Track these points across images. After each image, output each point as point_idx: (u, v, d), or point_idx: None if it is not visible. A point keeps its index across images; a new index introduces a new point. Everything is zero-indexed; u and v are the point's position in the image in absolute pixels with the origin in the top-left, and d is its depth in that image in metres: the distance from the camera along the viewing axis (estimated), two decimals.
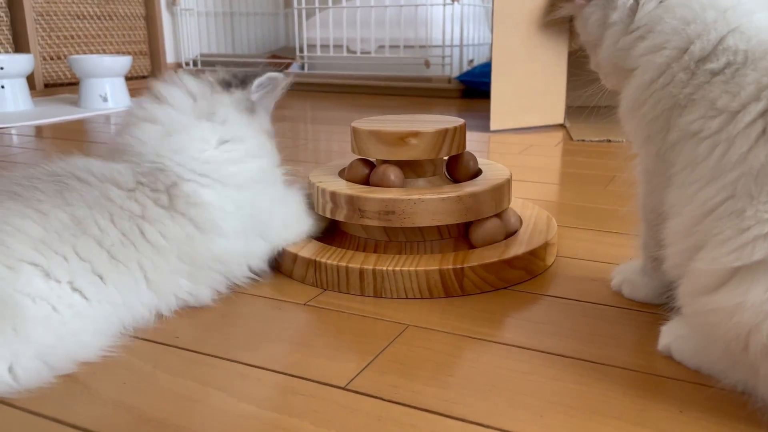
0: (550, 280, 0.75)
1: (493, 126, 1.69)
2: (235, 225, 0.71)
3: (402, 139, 0.77)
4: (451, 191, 0.75)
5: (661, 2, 0.58)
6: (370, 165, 0.82)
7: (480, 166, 0.85)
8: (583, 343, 0.60)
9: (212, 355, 0.59)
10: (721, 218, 0.49)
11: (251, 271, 0.74)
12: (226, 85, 0.77)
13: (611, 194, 1.10)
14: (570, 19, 1.63)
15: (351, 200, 0.75)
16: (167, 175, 0.69)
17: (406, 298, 0.70)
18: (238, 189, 0.72)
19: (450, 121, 0.82)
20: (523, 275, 0.74)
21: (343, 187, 0.77)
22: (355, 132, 0.80)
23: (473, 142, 1.58)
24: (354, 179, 0.81)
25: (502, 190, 0.78)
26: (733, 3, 0.55)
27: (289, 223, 0.78)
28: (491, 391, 0.53)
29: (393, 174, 0.78)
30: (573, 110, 1.78)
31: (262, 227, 0.74)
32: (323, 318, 0.66)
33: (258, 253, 0.74)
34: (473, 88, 2.39)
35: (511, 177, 0.82)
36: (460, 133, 0.80)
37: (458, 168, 0.83)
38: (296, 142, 1.65)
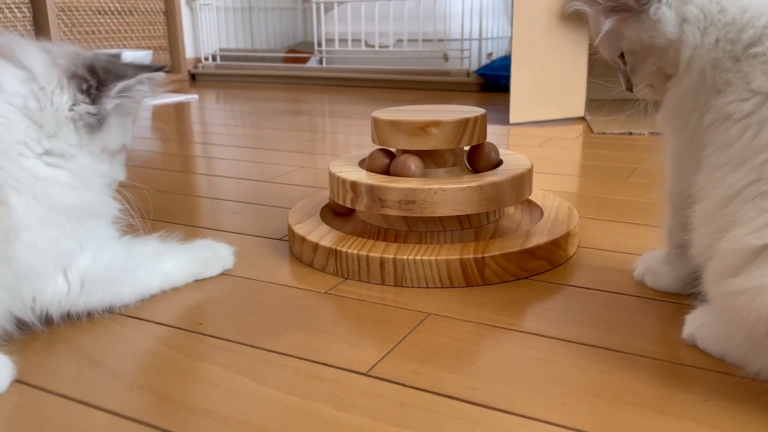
0: (572, 270, 0.74)
1: (512, 119, 1.68)
2: (34, 242, 0.57)
3: (422, 128, 0.77)
4: (472, 181, 0.74)
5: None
6: (391, 155, 0.82)
7: (501, 157, 0.84)
8: (606, 332, 0.60)
9: (235, 341, 0.59)
10: (747, 201, 0.49)
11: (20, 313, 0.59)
12: (78, 81, 0.60)
13: (633, 186, 1.09)
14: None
15: (371, 190, 0.75)
16: None
17: (427, 287, 0.70)
18: (49, 212, 0.58)
19: (471, 111, 0.81)
20: (545, 265, 0.74)
21: (363, 177, 0.77)
22: (376, 122, 0.80)
23: (492, 134, 1.57)
24: (374, 169, 0.81)
25: (523, 179, 0.78)
26: None
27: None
28: (513, 378, 0.52)
29: (413, 164, 0.78)
30: (593, 103, 1.76)
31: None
32: (344, 306, 0.67)
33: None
34: (492, 81, 2.38)
35: (533, 167, 0.81)
36: (480, 122, 0.80)
37: (479, 158, 0.83)
38: (314, 135, 1.66)
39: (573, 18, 1.66)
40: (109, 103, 0.61)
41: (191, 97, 2.34)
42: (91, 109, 0.60)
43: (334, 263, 0.74)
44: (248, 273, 0.75)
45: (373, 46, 2.69)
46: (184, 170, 1.29)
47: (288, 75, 2.77)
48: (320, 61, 2.80)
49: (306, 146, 1.50)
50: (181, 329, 0.62)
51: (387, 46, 2.68)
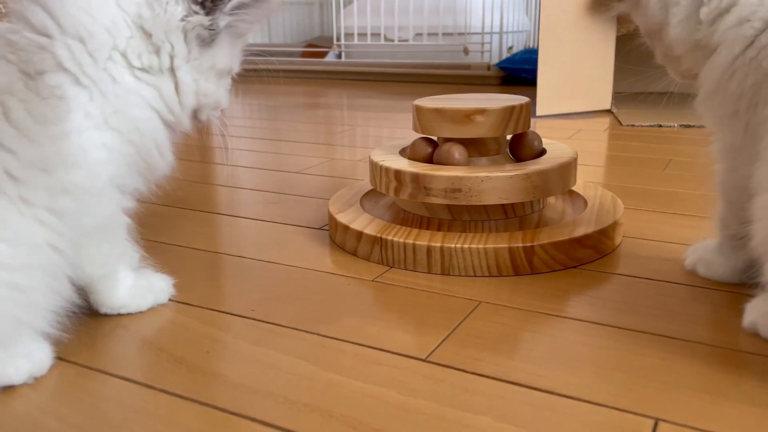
0: (620, 260, 0.74)
1: (539, 111, 1.67)
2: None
3: (468, 116, 0.76)
4: (519, 169, 0.74)
5: None
6: (433, 144, 0.81)
7: (544, 146, 0.83)
8: (663, 319, 0.59)
9: (290, 327, 0.59)
10: None
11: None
12: None
13: (670, 177, 1.08)
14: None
15: (416, 178, 0.75)
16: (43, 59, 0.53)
17: (474, 275, 0.70)
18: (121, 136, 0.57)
19: (514, 99, 0.81)
20: (593, 254, 0.73)
21: (406, 166, 0.77)
22: (419, 110, 0.80)
23: None
24: (416, 158, 0.81)
25: (569, 168, 0.77)
26: None
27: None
28: (576, 365, 0.52)
29: (458, 152, 0.77)
30: (619, 97, 1.75)
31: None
32: (393, 294, 0.66)
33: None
34: (513, 75, 2.37)
35: (577, 156, 0.80)
36: (525, 111, 0.79)
37: (522, 147, 0.82)
38: (337, 128, 1.65)
39: (599, 9, 1.65)
40: (222, 19, 0.59)
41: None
42: (205, 21, 0.58)
43: (379, 252, 0.74)
44: (293, 261, 0.75)
45: (392, 40, 2.68)
46: (209, 161, 1.29)
47: (306, 69, 2.77)
48: (339, 56, 2.79)
49: (332, 138, 1.49)
50: (235, 315, 0.62)
51: (406, 40, 2.67)
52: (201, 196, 1.03)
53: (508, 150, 0.84)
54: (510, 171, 0.73)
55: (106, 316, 0.61)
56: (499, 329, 0.58)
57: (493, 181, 0.73)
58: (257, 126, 1.71)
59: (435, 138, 0.82)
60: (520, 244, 0.70)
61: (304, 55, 2.85)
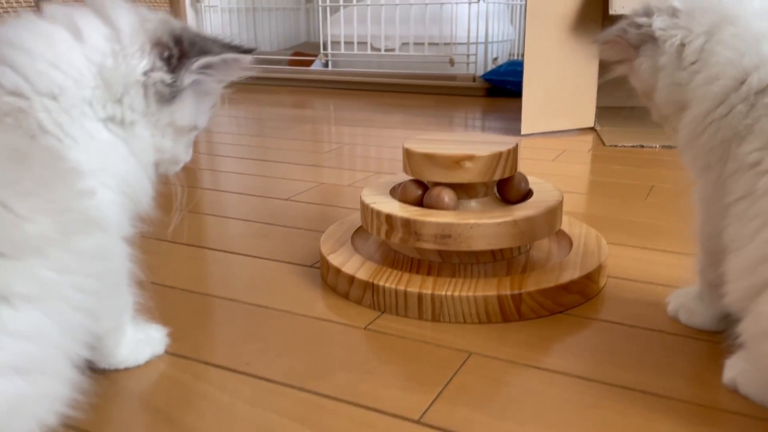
0: (604, 304, 0.76)
1: (524, 130, 1.69)
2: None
3: (457, 162, 0.78)
4: (507, 215, 0.75)
5: (711, 38, 0.60)
6: (423, 186, 0.83)
7: (530, 186, 0.85)
8: (645, 373, 0.61)
9: (284, 384, 0.60)
10: None
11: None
12: (160, 49, 0.57)
13: (652, 207, 1.10)
14: (602, 24, 1.62)
15: (407, 223, 0.76)
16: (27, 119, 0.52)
17: (464, 322, 0.72)
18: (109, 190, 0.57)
19: (502, 142, 0.82)
20: (578, 299, 0.75)
21: (398, 210, 0.78)
22: (409, 154, 0.81)
23: None
24: (407, 200, 0.82)
25: (555, 212, 0.79)
26: None
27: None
28: (566, 427, 0.54)
29: (447, 197, 0.79)
30: (602, 112, 1.77)
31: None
32: (385, 344, 0.68)
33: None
34: (498, 86, 2.39)
35: (563, 199, 0.82)
36: (513, 155, 0.81)
37: (509, 189, 0.84)
38: (327, 146, 1.66)
39: (584, 30, 1.67)
40: (187, 77, 0.58)
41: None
42: (167, 78, 0.57)
43: (371, 297, 0.75)
44: (286, 305, 0.76)
45: (378, 50, 2.69)
46: (193, 185, 1.29)
47: (293, 78, 2.77)
48: (325, 64, 2.79)
49: (321, 159, 1.50)
50: (230, 370, 0.63)
51: (393, 49, 2.67)
52: (189, 228, 1.03)
53: (495, 190, 0.85)
54: (498, 218, 0.75)
55: (102, 371, 0.62)
56: (490, 386, 0.60)
57: (482, 228, 0.74)
58: (244, 143, 1.71)
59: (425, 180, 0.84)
60: (509, 292, 0.71)
61: (291, 63, 2.85)
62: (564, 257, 0.81)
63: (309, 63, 2.82)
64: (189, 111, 0.60)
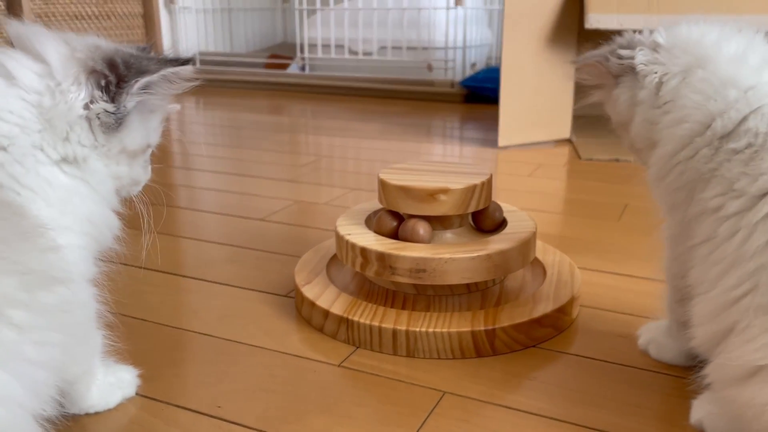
0: (577, 336, 0.76)
1: (501, 142, 1.69)
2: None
3: (432, 195, 0.78)
4: (481, 249, 0.76)
5: (684, 78, 0.60)
6: (398, 217, 0.83)
7: (505, 215, 0.86)
8: (616, 413, 0.62)
9: (257, 429, 0.60)
10: (747, 310, 0.51)
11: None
12: (96, 77, 0.55)
13: (626, 227, 1.11)
14: (577, 37, 1.63)
15: (382, 257, 0.76)
16: None
17: (438, 358, 0.72)
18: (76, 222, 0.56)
19: (477, 173, 0.83)
20: (551, 332, 0.76)
21: (373, 243, 0.78)
22: (384, 186, 0.81)
23: (483, 159, 1.59)
24: (382, 232, 0.82)
25: (529, 245, 0.80)
26: (755, 82, 0.57)
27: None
28: None
29: (422, 229, 0.79)
30: (578, 121, 1.79)
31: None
32: (360, 383, 0.68)
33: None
34: (476, 93, 2.39)
35: (536, 230, 0.83)
36: (487, 187, 0.81)
37: (484, 218, 0.84)
38: (304, 159, 1.65)
39: (560, 43, 1.68)
40: (129, 100, 0.56)
41: (171, 107, 2.30)
42: (109, 107, 0.55)
43: (346, 331, 0.75)
44: (260, 341, 0.76)
45: (356, 53, 2.68)
46: (161, 204, 1.28)
47: (270, 81, 2.75)
48: (302, 68, 2.78)
49: (297, 173, 1.49)
50: (202, 413, 0.62)
51: (371, 53, 2.66)
52: (162, 251, 1.02)
53: (470, 219, 0.86)
54: (472, 252, 0.75)
55: (73, 416, 0.61)
56: (462, 428, 0.60)
57: (457, 262, 0.74)
58: (219, 155, 1.69)
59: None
60: (482, 328, 0.72)
61: (268, 66, 2.82)
62: (537, 288, 0.81)
63: (285, 66, 2.80)
64: (138, 133, 0.59)
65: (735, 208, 0.53)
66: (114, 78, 0.56)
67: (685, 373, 0.68)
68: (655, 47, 0.63)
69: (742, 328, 0.51)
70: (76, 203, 0.56)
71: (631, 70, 0.64)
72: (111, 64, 0.56)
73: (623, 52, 0.65)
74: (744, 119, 0.55)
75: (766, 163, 0.52)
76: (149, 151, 0.63)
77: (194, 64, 0.61)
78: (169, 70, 0.58)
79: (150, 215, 0.65)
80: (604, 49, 0.67)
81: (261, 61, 2.85)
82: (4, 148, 0.52)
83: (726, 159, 0.55)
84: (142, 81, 0.56)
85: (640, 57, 0.64)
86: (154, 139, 0.63)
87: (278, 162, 1.60)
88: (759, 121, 0.55)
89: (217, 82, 2.81)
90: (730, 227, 0.53)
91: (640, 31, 0.66)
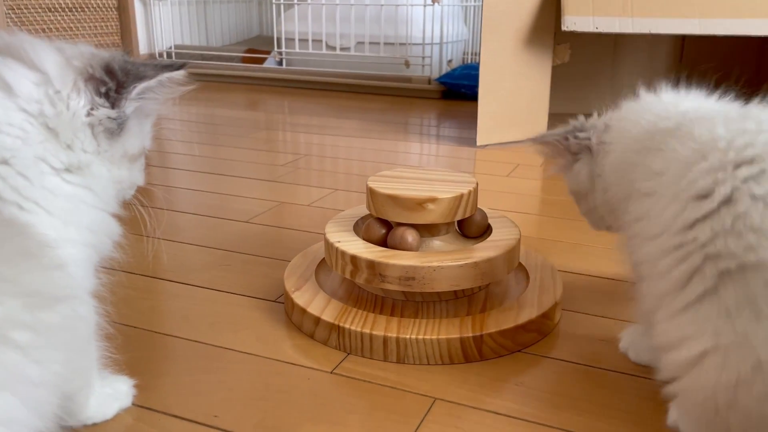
0: (559, 340, 0.79)
1: (479, 141, 1.72)
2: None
3: (420, 204, 0.80)
4: (468, 257, 0.78)
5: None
6: (387, 224, 0.84)
7: (489, 221, 0.88)
8: (601, 419, 0.65)
9: None
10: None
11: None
12: (95, 84, 0.56)
13: None
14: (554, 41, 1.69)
15: (372, 265, 0.77)
16: None
17: (428, 364, 0.74)
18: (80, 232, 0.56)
19: (464, 182, 0.85)
20: (536, 337, 0.78)
21: (363, 251, 0.79)
22: (373, 194, 0.83)
23: (461, 159, 1.62)
24: (371, 239, 0.83)
25: (514, 252, 0.82)
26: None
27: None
28: None
29: (411, 237, 0.81)
30: (553, 119, 1.82)
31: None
32: (352, 390, 0.69)
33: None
34: (453, 90, 2.42)
35: (521, 236, 0.85)
36: (474, 195, 0.83)
37: (470, 225, 0.86)
38: (285, 158, 1.65)
39: (538, 43, 1.71)
40: (129, 105, 0.58)
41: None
42: (112, 113, 0.57)
43: (337, 338, 0.77)
44: (252, 348, 0.77)
45: (333, 48, 2.67)
46: (156, 206, 1.27)
47: (246, 75, 2.73)
48: (279, 62, 2.76)
49: (277, 173, 1.50)
50: (198, 423, 0.63)
51: (348, 48, 2.67)
52: (146, 257, 1.02)
53: (456, 226, 0.88)
54: (460, 260, 0.77)
55: (71, 429, 0.62)
56: None
57: (445, 270, 0.76)
58: (197, 154, 1.69)
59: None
60: (470, 334, 0.74)
61: (244, 60, 2.80)
62: (521, 293, 0.84)
63: (262, 60, 2.78)
64: (137, 137, 0.61)
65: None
66: (113, 84, 0.57)
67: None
68: (605, 129, 0.73)
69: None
70: (78, 212, 0.56)
71: (587, 148, 0.74)
72: (109, 70, 0.57)
73: (580, 134, 0.75)
74: None
75: None
76: (143, 155, 0.65)
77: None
78: (165, 76, 0.59)
79: (152, 218, 0.66)
80: (562, 130, 0.77)
81: (237, 55, 2.83)
82: (5, 162, 0.52)
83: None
84: (141, 86, 0.57)
85: (594, 137, 0.74)
86: (148, 142, 0.64)
87: (257, 161, 1.60)
88: None
89: (193, 75, 2.77)
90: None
91: (590, 115, 0.76)
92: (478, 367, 0.74)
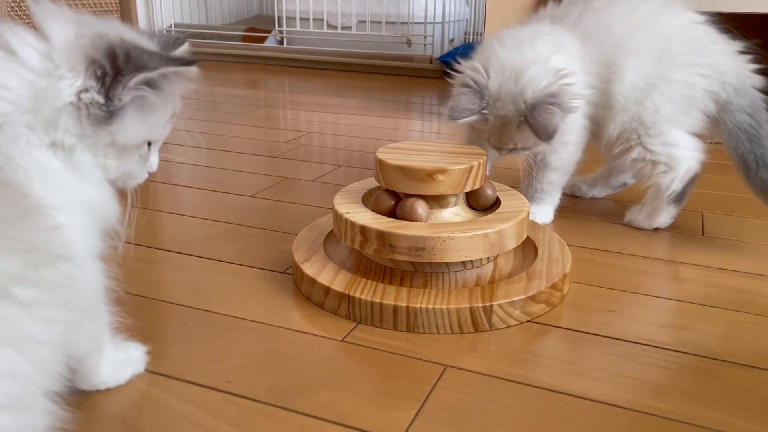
0: (568, 311, 0.80)
1: None
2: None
3: (430, 175, 0.80)
4: (478, 228, 0.78)
5: None
6: (396, 196, 0.84)
7: (498, 194, 0.88)
8: (612, 386, 0.65)
9: (268, 404, 0.62)
10: None
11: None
12: (94, 67, 0.54)
13: (610, 204, 1.15)
14: None
15: (381, 236, 0.77)
16: None
17: (438, 333, 0.74)
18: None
19: (473, 153, 0.84)
20: (544, 308, 0.79)
21: (372, 221, 0.79)
22: (382, 165, 0.82)
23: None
24: (380, 211, 0.83)
25: (523, 223, 0.82)
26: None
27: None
28: None
29: (420, 208, 0.81)
30: None
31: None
32: (363, 358, 0.70)
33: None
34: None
35: (529, 208, 0.85)
36: (483, 167, 0.83)
37: (479, 197, 0.86)
38: (287, 135, 1.65)
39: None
40: (125, 94, 0.54)
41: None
42: (99, 98, 0.54)
43: (347, 308, 0.77)
44: (262, 317, 0.77)
45: (335, 27, 2.66)
46: (161, 180, 1.27)
47: (247, 54, 2.71)
48: (280, 41, 2.74)
49: (280, 150, 1.49)
50: (212, 389, 0.64)
51: (349, 27, 2.65)
52: (153, 230, 1.02)
53: (465, 199, 0.88)
54: (470, 231, 0.77)
55: (83, 393, 0.62)
56: (465, 401, 0.63)
57: (455, 241, 0.76)
58: (199, 130, 1.68)
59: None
60: (480, 304, 0.74)
61: (245, 39, 2.78)
62: (530, 265, 0.84)
63: (263, 39, 2.76)
64: (133, 128, 0.57)
65: None
66: (111, 70, 0.54)
67: (676, 349, 0.72)
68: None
69: None
70: (71, 187, 0.55)
71: None
72: (111, 54, 0.54)
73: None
74: None
75: None
76: (149, 147, 0.62)
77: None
78: (171, 69, 0.56)
79: (132, 213, 0.64)
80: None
81: (238, 33, 2.81)
82: None
83: None
84: (140, 77, 0.54)
85: None
86: (157, 136, 0.61)
87: (260, 138, 1.59)
88: None
89: (194, 54, 2.76)
90: None
91: None
92: (487, 337, 0.74)
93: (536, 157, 1.02)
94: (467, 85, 0.95)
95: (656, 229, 1.04)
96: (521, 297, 0.76)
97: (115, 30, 0.58)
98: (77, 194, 0.56)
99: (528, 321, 0.77)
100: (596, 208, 1.14)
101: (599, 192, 1.19)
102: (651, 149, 0.99)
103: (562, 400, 0.63)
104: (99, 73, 0.54)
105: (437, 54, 2.48)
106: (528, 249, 0.91)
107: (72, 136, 0.54)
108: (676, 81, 0.97)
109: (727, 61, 0.98)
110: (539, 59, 0.94)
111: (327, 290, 0.78)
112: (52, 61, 0.54)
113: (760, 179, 0.95)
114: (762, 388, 0.65)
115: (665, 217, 1.03)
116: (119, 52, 0.55)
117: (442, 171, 0.80)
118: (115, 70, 0.54)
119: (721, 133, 0.99)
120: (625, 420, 0.60)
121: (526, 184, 1.07)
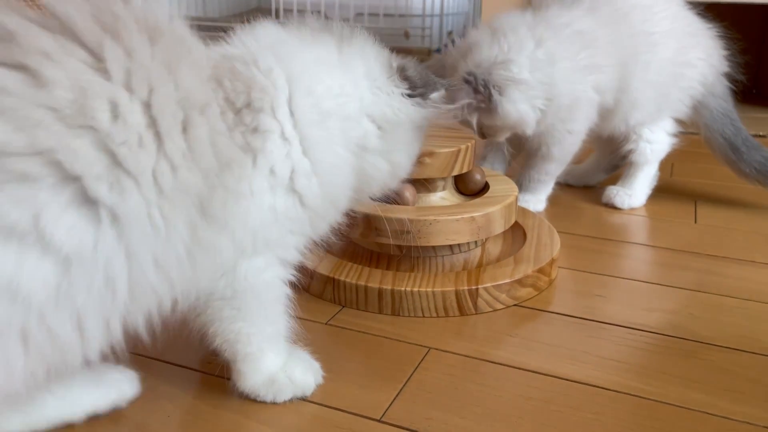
0: (555, 295, 0.79)
1: None
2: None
3: (418, 158, 0.79)
4: (464, 211, 0.77)
5: None
6: None
7: (487, 179, 0.87)
8: (596, 368, 0.65)
9: None
10: None
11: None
12: (407, 80, 0.60)
13: (597, 192, 1.14)
14: None
15: (368, 219, 0.77)
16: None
17: (423, 316, 0.74)
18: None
19: (461, 137, 0.84)
20: (531, 292, 0.78)
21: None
22: None
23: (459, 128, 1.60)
24: None
25: (511, 208, 0.81)
26: None
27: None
28: (518, 423, 0.57)
29: (408, 192, 0.80)
30: None
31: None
32: (347, 340, 0.69)
33: None
34: None
35: (518, 193, 0.85)
36: (471, 150, 0.82)
37: (467, 182, 0.86)
38: None
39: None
40: (430, 107, 0.61)
41: None
42: (424, 107, 0.60)
43: (332, 291, 0.76)
44: None
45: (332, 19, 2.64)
46: None
47: None
48: None
49: None
50: (191, 369, 0.63)
51: (348, 20, 2.64)
52: None
53: (453, 184, 0.87)
54: (456, 214, 0.77)
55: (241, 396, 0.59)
56: (447, 382, 0.62)
57: (441, 224, 0.76)
58: None
59: None
60: (465, 287, 0.74)
61: None
62: (518, 250, 0.84)
63: None
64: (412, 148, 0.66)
65: None
66: (421, 85, 0.60)
67: (662, 333, 0.71)
68: None
69: None
70: (331, 174, 0.57)
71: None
72: (420, 74, 0.60)
73: None
74: None
75: None
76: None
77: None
78: (443, 89, 0.62)
79: None
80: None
81: (236, 26, 2.80)
82: (308, 92, 0.56)
83: None
84: (435, 95, 0.61)
85: None
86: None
87: None
88: None
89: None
90: None
91: None
92: (473, 320, 0.74)
93: (540, 149, 1.01)
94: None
95: (651, 218, 1.03)
96: (507, 281, 0.75)
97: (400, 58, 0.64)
98: (334, 182, 0.59)
99: (515, 305, 0.77)
100: (586, 196, 1.13)
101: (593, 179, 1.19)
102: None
103: (545, 381, 0.63)
104: (416, 84, 0.61)
105: (435, 46, 2.47)
106: (517, 234, 0.90)
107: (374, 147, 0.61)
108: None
109: (715, 45, 0.98)
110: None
111: (312, 273, 0.78)
112: (373, 80, 0.60)
113: (755, 161, 0.94)
114: (749, 371, 0.65)
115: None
116: (412, 72, 0.61)
117: (430, 154, 0.79)
118: (420, 85, 0.61)
119: (703, 119, 0.99)
120: (607, 401, 0.60)
121: (520, 173, 1.06)
